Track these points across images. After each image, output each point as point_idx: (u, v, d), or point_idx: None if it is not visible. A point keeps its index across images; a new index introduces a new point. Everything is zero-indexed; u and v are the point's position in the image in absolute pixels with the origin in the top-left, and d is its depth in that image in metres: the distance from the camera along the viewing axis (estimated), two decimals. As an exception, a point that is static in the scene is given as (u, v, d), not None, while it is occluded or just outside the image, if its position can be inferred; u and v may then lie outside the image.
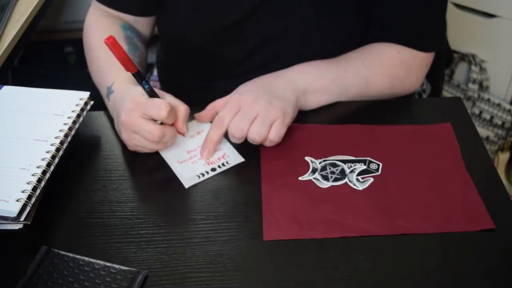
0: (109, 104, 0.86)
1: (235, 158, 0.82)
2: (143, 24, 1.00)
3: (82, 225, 0.73)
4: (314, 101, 0.89)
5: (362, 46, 0.94)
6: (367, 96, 0.93)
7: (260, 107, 0.81)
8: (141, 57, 0.95)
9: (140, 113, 0.77)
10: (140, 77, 0.77)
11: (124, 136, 0.80)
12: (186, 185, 0.78)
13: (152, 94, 0.78)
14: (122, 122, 0.78)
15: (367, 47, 0.94)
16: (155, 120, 0.77)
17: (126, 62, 0.76)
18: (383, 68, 0.92)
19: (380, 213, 0.73)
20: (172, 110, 0.77)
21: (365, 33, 0.94)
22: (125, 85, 0.84)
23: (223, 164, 0.82)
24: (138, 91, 0.79)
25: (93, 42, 0.95)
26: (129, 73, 0.78)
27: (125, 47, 0.90)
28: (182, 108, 0.80)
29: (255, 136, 0.80)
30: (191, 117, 0.85)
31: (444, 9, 0.94)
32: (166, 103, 0.76)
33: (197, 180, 0.79)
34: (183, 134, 0.83)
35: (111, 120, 0.89)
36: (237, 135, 0.80)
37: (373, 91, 0.93)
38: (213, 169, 0.81)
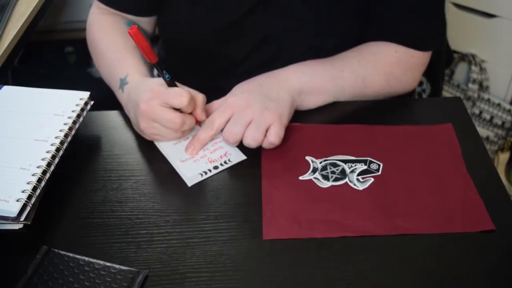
0: (123, 96, 0.86)
1: (237, 156, 0.82)
2: (145, 23, 1.00)
3: (82, 225, 0.73)
4: (311, 101, 0.89)
5: (358, 45, 0.94)
6: (364, 95, 0.93)
7: (254, 111, 0.81)
8: None
9: (160, 101, 0.77)
10: (161, 67, 0.78)
11: (143, 125, 0.80)
12: (189, 183, 0.78)
13: (172, 83, 0.79)
14: (142, 111, 0.78)
15: (363, 46, 0.94)
16: (175, 109, 0.78)
17: (148, 52, 0.76)
18: (379, 67, 0.92)
19: (380, 213, 0.73)
20: (192, 99, 0.78)
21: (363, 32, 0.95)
22: (140, 77, 0.85)
23: (225, 162, 0.82)
24: (156, 81, 0.80)
25: (99, 38, 0.95)
26: (142, 65, 0.78)
27: None
28: (200, 97, 0.81)
29: (250, 141, 0.80)
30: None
31: (442, 9, 0.94)
32: (186, 92, 0.77)
33: (200, 179, 0.79)
34: (199, 125, 0.84)
35: (111, 120, 0.89)
36: (231, 140, 0.81)
37: (370, 91, 0.92)
38: (216, 167, 0.81)
